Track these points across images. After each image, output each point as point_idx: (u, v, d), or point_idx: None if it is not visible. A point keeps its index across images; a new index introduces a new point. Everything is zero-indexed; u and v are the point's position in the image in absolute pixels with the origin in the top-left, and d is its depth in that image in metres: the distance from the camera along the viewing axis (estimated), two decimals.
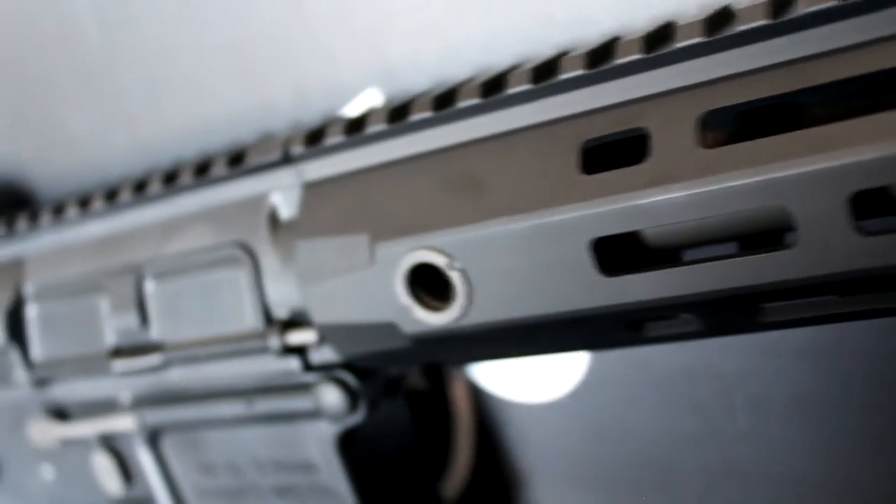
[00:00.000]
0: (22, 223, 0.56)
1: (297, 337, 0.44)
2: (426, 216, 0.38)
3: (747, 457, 0.49)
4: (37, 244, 0.56)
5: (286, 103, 0.55)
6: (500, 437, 0.56)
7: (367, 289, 0.40)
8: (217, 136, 0.55)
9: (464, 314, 0.38)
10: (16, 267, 0.57)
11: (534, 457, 0.56)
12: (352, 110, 0.50)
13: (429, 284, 0.39)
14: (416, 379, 0.55)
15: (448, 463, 0.57)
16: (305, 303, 0.42)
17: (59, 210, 0.54)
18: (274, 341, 0.44)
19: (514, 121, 0.37)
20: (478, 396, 0.56)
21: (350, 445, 0.48)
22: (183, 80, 0.59)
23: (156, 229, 0.50)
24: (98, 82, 0.63)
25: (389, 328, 0.40)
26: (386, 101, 0.50)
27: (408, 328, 0.40)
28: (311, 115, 0.51)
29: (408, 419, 0.52)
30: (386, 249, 0.39)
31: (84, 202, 0.52)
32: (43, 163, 0.66)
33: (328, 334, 0.43)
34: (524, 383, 0.55)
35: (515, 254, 0.36)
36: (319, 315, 0.42)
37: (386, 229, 0.39)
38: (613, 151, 0.34)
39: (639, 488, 0.53)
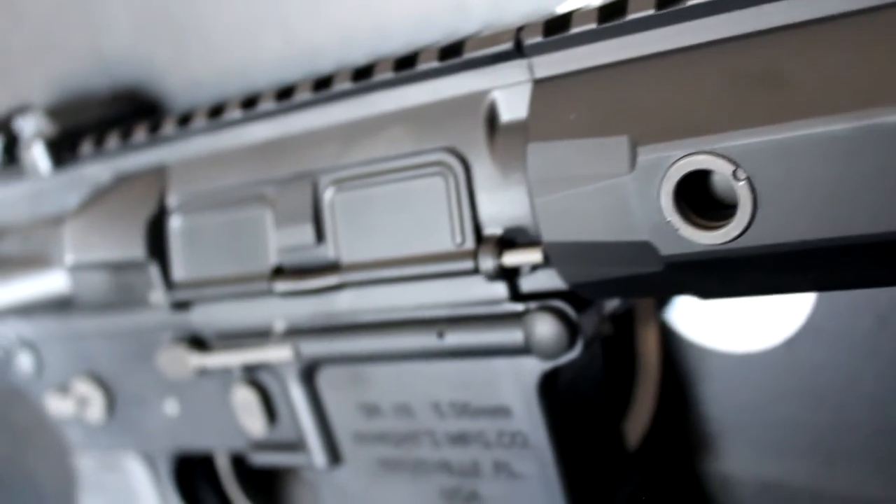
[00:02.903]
0: (169, 127, 0.51)
1: (515, 257, 0.39)
2: (708, 116, 0.33)
3: None
4: (185, 150, 0.51)
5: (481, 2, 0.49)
6: (693, 390, 0.51)
7: (621, 201, 0.35)
8: (391, 41, 0.49)
9: (742, 233, 0.33)
10: (159, 175, 0.52)
11: (728, 415, 0.51)
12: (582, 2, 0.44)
13: (690, 200, 0.34)
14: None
15: (629, 415, 0.52)
16: (535, 216, 0.37)
17: (216, 112, 0.49)
18: (487, 262, 0.40)
19: (824, 7, 0.32)
20: (671, 343, 0.51)
21: (550, 389, 0.43)
22: None
23: (338, 132, 0.45)
24: None
25: (642, 249, 0.35)
26: None
27: (666, 249, 0.35)
28: (509, 17, 0.45)
29: (600, 365, 0.48)
30: (653, 153, 0.34)
31: (249, 103, 0.47)
32: (178, 68, 0.62)
33: (558, 255, 0.38)
34: (729, 329, 0.50)
35: (823, 162, 0.31)
36: (551, 231, 0.37)
37: (653, 130, 0.34)
38: None
39: (856, 461, 0.48)
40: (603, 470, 0.47)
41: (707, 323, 0.50)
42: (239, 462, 0.62)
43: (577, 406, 0.45)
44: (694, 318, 0.50)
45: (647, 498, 0.50)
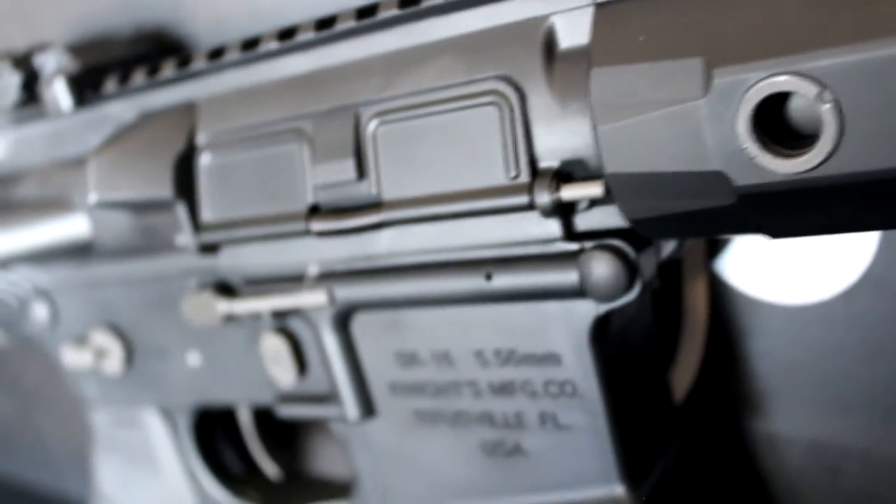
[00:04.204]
0: (199, 62, 0.49)
1: (574, 191, 0.37)
2: (790, 34, 0.31)
3: None
4: (216, 85, 0.49)
5: None
6: (741, 345, 0.50)
7: (692, 127, 0.33)
8: None
9: (824, 161, 0.31)
10: (187, 111, 0.50)
11: (778, 371, 0.49)
12: None
13: (765, 127, 0.32)
14: None
15: (673, 370, 0.50)
16: (597, 147, 0.35)
17: (249, 45, 0.47)
18: (543, 197, 0.38)
19: None
20: (720, 295, 0.49)
21: (601, 336, 0.41)
22: None
23: (383, 63, 0.43)
24: None
25: (714, 180, 0.34)
26: None
27: (740, 180, 0.33)
28: None
29: (650, 315, 0.46)
30: (730, 76, 0.32)
31: (286, 34, 0.46)
32: (204, 7, 0.60)
33: (621, 188, 0.36)
34: (782, 280, 0.48)
35: None
36: (615, 162, 0.35)
37: (729, 51, 0.32)
38: None
39: None
40: (651, 424, 0.45)
41: (759, 273, 0.49)
42: (261, 417, 0.60)
43: (626, 356, 0.44)
44: (745, 268, 0.49)
45: (692, 457, 0.49)
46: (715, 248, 0.49)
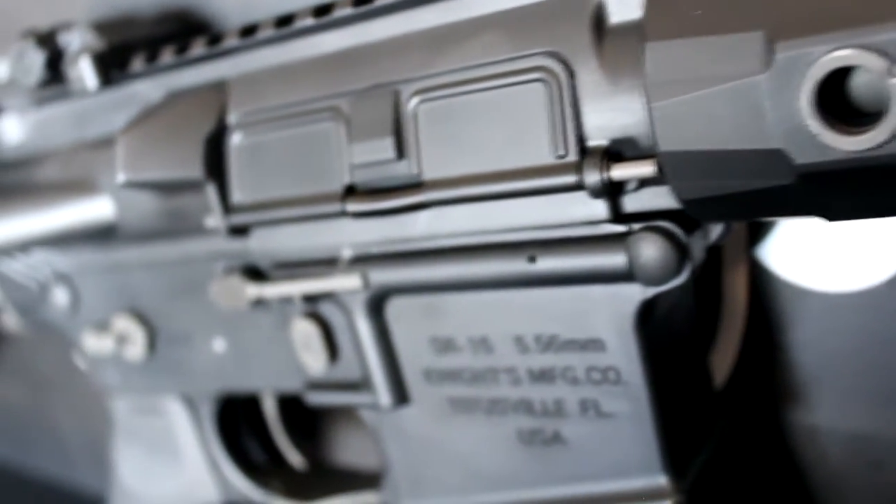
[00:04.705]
0: (231, 40, 0.48)
1: (624, 171, 0.37)
2: (858, 6, 0.30)
3: None
4: (247, 63, 0.49)
5: None
6: (782, 333, 0.49)
7: (752, 104, 0.32)
8: None
9: (892, 138, 0.30)
10: (218, 90, 0.49)
11: (819, 361, 0.49)
12: None
13: (827, 104, 0.31)
14: None
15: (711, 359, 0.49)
16: (651, 124, 0.35)
17: (283, 22, 0.46)
18: (592, 176, 0.37)
19: None
20: (761, 282, 0.49)
21: (647, 321, 0.40)
22: None
23: (424, 39, 0.42)
24: None
25: (773, 158, 0.33)
26: None
27: (802, 158, 0.32)
28: None
29: (692, 300, 0.45)
30: (793, 50, 0.31)
31: (322, 10, 0.45)
32: None
33: (674, 167, 0.35)
34: (826, 267, 0.47)
35: None
36: (669, 140, 0.35)
37: (793, 24, 0.32)
38: None
39: None
40: (693, 413, 0.45)
41: (802, 259, 0.48)
42: (284, 405, 0.60)
43: (670, 342, 0.43)
44: (788, 254, 0.48)
45: (731, 447, 0.48)
46: (756, 232, 0.49)
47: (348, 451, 0.66)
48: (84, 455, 0.89)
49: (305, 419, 0.63)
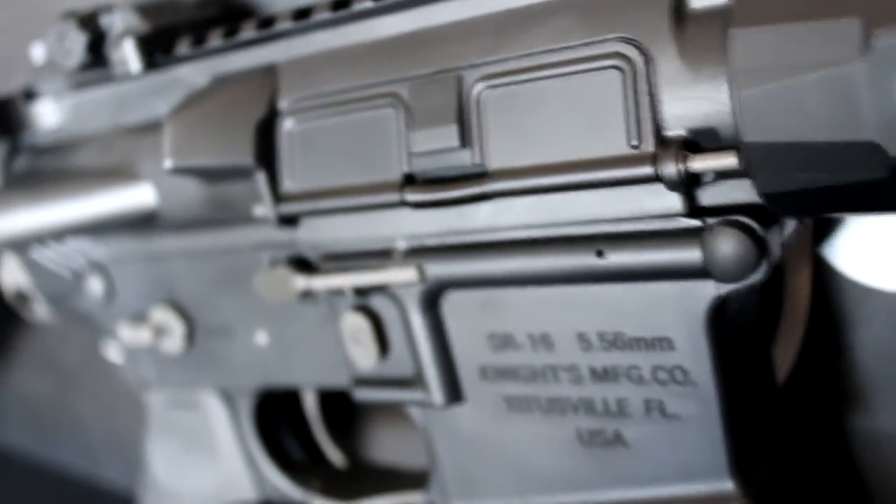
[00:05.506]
0: (283, 23, 0.48)
1: (704, 162, 0.36)
2: None
3: None
4: (299, 48, 0.48)
5: None
6: (847, 334, 0.48)
7: (845, 93, 0.31)
8: None
9: None
10: (268, 75, 0.49)
11: (886, 364, 0.47)
12: None
13: None
14: None
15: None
16: (735, 114, 0.34)
17: (339, 5, 0.46)
18: (669, 167, 0.36)
19: None
20: (825, 278, 0.48)
21: (718, 319, 0.39)
22: None
23: (491, 23, 0.41)
24: None
25: (865, 151, 0.32)
26: None
27: None
28: None
29: (758, 298, 0.44)
30: (892, 38, 0.30)
31: None
32: None
33: (759, 159, 0.34)
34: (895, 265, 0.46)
35: None
36: (755, 131, 0.34)
37: (892, 11, 0.31)
38: None
39: None
40: (759, 416, 0.44)
41: (870, 258, 0.47)
42: (324, 400, 0.59)
43: (739, 342, 0.42)
44: (855, 251, 0.47)
45: (792, 451, 0.47)
46: (822, 227, 0.48)
47: (389, 448, 0.66)
48: (108, 448, 0.89)
49: (345, 415, 0.62)
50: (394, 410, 0.55)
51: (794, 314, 0.48)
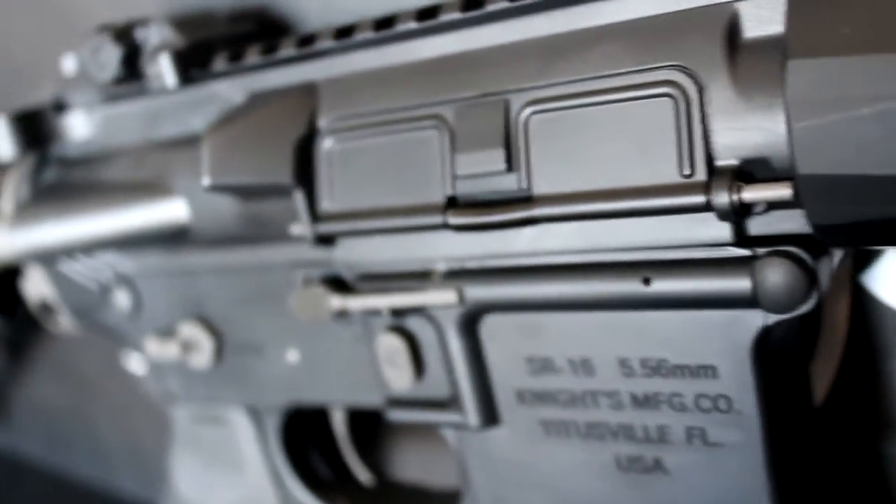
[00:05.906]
0: (324, 41, 0.48)
1: (757, 193, 0.36)
2: None
3: None
4: (340, 66, 0.48)
5: None
6: (886, 362, 0.48)
7: None
8: None
9: None
10: (308, 92, 0.49)
11: None
12: None
13: None
14: None
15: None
16: (790, 145, 0.34)
17: (383, 24, 0.46)
18: (722, 197, 0.36)
19: None
20: (866, 308, 0.48)
21: (763, 348, 0.39)
22: None
23: (539, 47, 0.41)
24: None
25: None
26: None
27: None
28: None
29: (798, 326, 0.44)
30: None
31: (427, 13, 0.44)
32: None
33: (813, 191, 0.34)
34: None
35: None
36: (810, 163, 0.34)
37: None
38: None
39: None
40: (800, 444, 0.44)
41: None
42: (352, 418, 0.59)
43: (782, 370, 0.42)
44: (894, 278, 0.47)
45: (825, 477, 0.47)
46: (862, 255, 0.48)
47: (417, 467, 0.66)
48: (125, 458, 0.89)
49: (372, 433, 0.62)
50: (421, 429, 0.55)
51: (832, 340, 0.48)
